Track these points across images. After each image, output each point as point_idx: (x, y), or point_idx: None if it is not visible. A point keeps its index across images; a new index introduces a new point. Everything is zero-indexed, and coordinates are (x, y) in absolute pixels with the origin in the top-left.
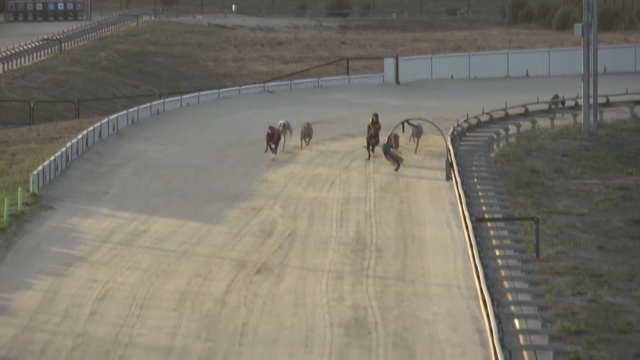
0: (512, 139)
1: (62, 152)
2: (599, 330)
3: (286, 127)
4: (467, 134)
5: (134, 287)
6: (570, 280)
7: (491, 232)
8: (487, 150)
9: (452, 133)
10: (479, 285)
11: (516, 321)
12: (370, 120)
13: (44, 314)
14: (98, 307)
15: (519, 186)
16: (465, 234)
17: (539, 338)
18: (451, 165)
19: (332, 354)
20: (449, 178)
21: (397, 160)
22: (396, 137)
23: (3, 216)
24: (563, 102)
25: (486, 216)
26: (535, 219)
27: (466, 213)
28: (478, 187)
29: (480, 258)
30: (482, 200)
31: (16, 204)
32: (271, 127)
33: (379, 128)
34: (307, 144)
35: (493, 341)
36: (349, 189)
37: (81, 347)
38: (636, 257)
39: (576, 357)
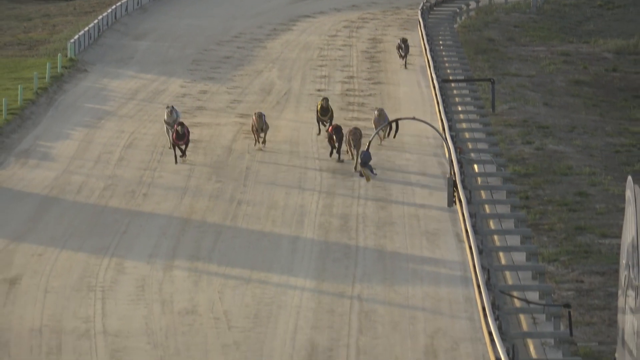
0: (472, 13)
1: (94, 23)
2: (544, 173)
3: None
4: (435, 8)
5: (154, 136)
6: (520, 131)
7: (454, 92)
8: (452, 23)
9: (422, 7)
10: (444, 135)
11: (475, 166)
12: (319, 106)
13: (79, 160)
14: (125, 153)
15: (477, 52)
16: (432, 93)
17: (494, 180)
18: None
19: (322, 192)
20: (451, 204)
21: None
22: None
23: (45, 77)
24: None
25: (450, 77)
26: (492, 80)
27: (433, 75)
28: (444, 53)
29: (445, 113)
30: (447, 65)
31: (56, 67)
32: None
33: (332, 115)
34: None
35: (456, 182)
36: (334, 53)
37: (111, 187)
38: (576, 112)
39: (525, 196)
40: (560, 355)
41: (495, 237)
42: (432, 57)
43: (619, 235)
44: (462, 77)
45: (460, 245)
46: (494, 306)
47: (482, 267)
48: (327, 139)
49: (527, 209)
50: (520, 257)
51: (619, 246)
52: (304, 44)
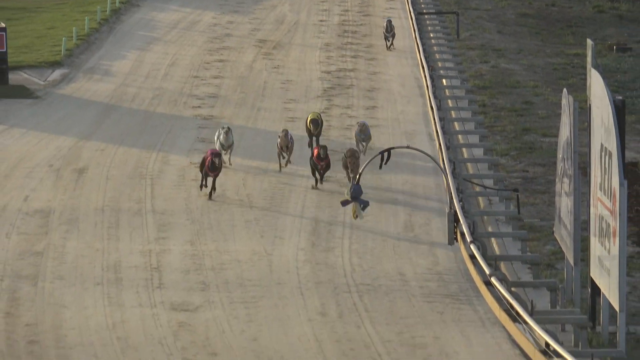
0: None
1: None
2: (498, 86)
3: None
4: None
5: (192, 57)
6: (479, 53)
7: (427, 22)
8: None
9: None
10: (419, 56)
11: (444, 80)
12: (308, 120)
13: (133, 75)
14: (169, 70)
15: None
16: (410, 23)
17: (458, 91)
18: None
19: (322, 97)
20: (451, 242)
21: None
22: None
23: (107, 10)
24: None
25: (424, 10)
26: (457, 13)
27: (411, 8)
28: None
29: (420, 38)
30: (421, 1)
31: (115, 2)
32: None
33: (319, 132)
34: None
35: (428, 92)
36: None
37: (158, 97)
38: (523, 38)
39: (483, 104)
40: (510, 229)
41: (459, 136)
42: None
43: (556, 135)
44: (433, 11)
45: (432, 142)
46: (459, 190)
47: (449, 160)
48: (312, 160)
49: (484, 114)
50: (478, 152)
51: (556, 143)
52: None
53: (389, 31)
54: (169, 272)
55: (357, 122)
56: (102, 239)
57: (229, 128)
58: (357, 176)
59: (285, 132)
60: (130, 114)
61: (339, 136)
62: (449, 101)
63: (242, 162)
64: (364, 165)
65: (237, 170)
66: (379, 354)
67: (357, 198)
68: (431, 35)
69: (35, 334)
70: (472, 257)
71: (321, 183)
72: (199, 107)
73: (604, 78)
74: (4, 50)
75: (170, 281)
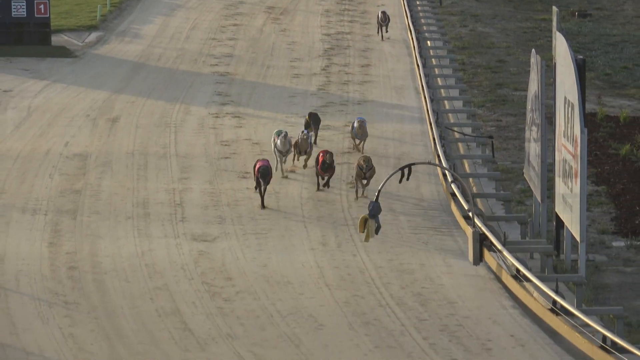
0: None
1: None
2: (475, 47)
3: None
4: None
5: (210, 22)
6: (459, 18)
7: None
8: None
9: None
10: (407, 21)
11: (428, 42)
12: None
13: (159, 38)
14: (190, 33)
15: None
16: None
17: (441, 51)
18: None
19: (323, 57)
20: (477, 262)
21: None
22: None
23: None
24: None
25: None
26: None
27: None
28: None
29: (408, 6)
30: None
31: None
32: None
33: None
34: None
35: (415, 52)
36: None
37: (181, 56)
38: (497, 5)
39: (462, 62)
40: (486, 170)
41: (442, 90)
42: None
43: (526, 89)
44: None
45: (418, 96)
46: (441, 137)
47: (433, 111)
48: (316, 168)
49: (463, 71)
50: (458, 104)
51: (526, 96)
52: None
53: (384, 20)
54: (190, 208)
55: (356, 119)
56: (133, 179)
57: (286, 133)
58: (377, 193)
59: (306, 134)
60: (156, 71)
61: (337, 90)
62: (433, 60)
63: (253, 112)
64: (383, 182)
65: (249, 120)
66: (372, 278)
67: (375, 216)
68: (417, 2)
69: (75, 261)
70: (453, 194)
71: (327, 187)
72: (216, 65)
73: (567, 40)
74: (47, 16)
75: (191, 215)
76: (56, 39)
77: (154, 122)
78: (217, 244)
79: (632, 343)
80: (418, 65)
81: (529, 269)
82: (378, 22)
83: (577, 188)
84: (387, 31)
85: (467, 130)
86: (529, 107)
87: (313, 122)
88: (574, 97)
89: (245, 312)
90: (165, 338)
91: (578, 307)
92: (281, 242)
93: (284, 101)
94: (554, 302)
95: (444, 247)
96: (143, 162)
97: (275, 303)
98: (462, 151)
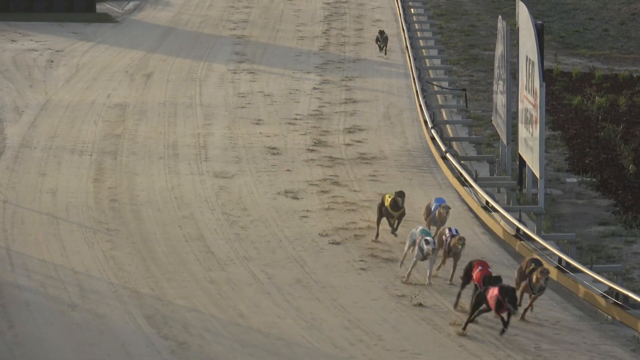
0: None
1: None
2: (451, 13)
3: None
4: None
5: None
6: None
7: None
8: None
9: None
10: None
11: (412, 9)
12: (388, 201)
13: (186, 6)
14: (212, 2)
15: None
16: None
17: (422, 17)
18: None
19: (323, 22)
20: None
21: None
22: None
23: None
24: None
25: None
26: None
27: None
28: None
29: None
30: None
31: None
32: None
33: (403, 213)
34: None
35: (401, 18)
36: None
37: (204, 22)
38: None
39: (440, 26)
40: (460, 118)
41: (424, 50)
42: None
43: (494, 49)
44: None
45: (403, 55)
46: (422, 90)
47: (416, 67)
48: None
49: (441, 34)
50: (437, 62)
51: (493, 55)
52: None
53: (382, 37)
54: (212, 149)
55: (438, 203)
56: (164, 125)
57: (434, 241)
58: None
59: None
60: (184, 34)
61: (335, 50)
62: (416, 25)
63: (265, 69)
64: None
65: (262, 75)
66: (364, 208)
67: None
68: None
69: (115, 194)
70: (433, 138)
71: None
72: (234, 29)
73: (528, 8)
74: None
75: (213, 156)
76: (100, 7)
77: (182, 77)
78: (234, 180)
79: (583, 264)
80: (403, 29)
81: (496, 201)
82: (377, 38)
83: (537, 133)
84: (385, 50)
85: (445, 83)
86: (496, 64)
87: None
88: (534, 56)
89: (258, 238)
90: (191, 259)
91: (538, 234)
92: (288, 178)
93: (291, 59)
94: (518, 230)
95: (425, 183)
96: (173, 111)
97: (284, 230)
98: (440, 102)
